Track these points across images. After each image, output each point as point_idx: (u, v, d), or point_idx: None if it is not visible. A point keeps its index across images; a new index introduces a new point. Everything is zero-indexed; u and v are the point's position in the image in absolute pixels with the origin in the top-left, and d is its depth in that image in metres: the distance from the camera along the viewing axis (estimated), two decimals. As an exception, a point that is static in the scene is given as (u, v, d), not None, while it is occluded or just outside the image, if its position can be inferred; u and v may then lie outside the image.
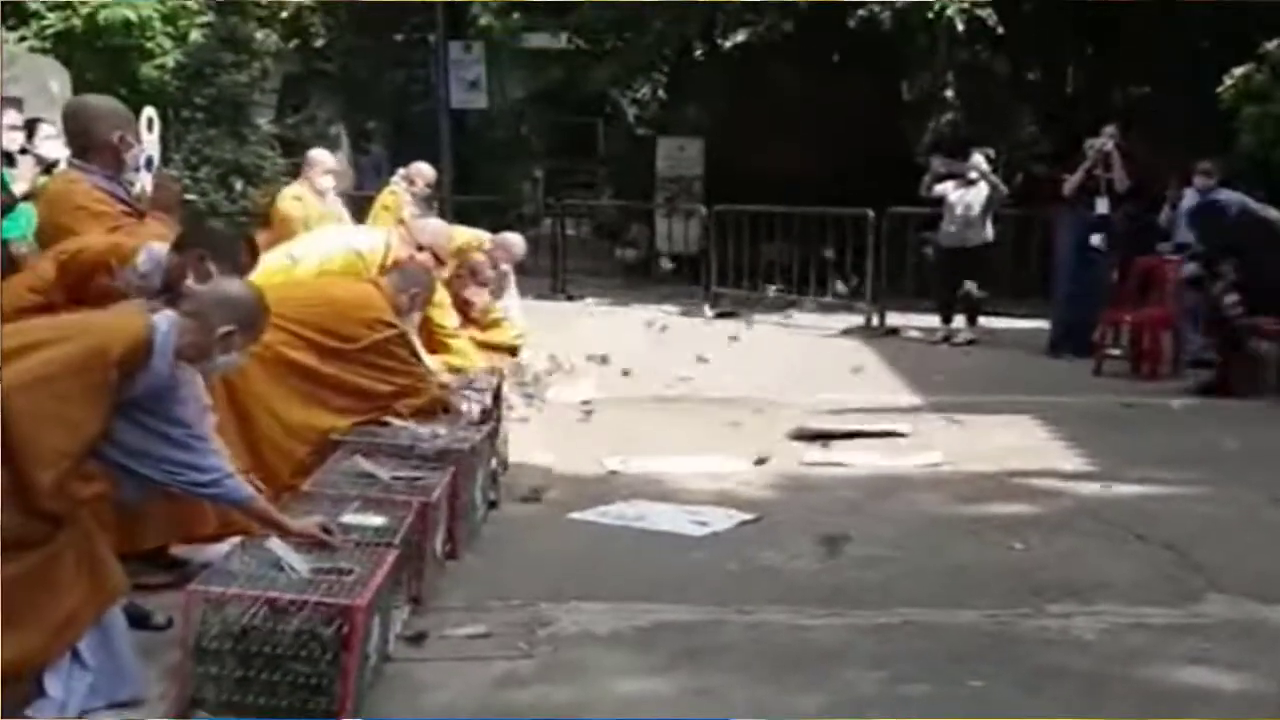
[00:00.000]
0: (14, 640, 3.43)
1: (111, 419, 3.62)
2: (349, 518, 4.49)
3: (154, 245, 4.57)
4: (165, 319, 3.78)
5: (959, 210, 12.07)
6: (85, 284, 4.48)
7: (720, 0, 15.91)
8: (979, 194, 12.03)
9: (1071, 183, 11.26)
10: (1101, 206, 11.15)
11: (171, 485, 3.92)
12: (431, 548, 4.96)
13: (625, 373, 10.06)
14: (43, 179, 8.15)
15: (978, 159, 12.13)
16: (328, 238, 7.28)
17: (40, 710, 3.62)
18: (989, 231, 12.16)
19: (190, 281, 4.38)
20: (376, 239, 6.86)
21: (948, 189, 12.19)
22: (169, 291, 4.39)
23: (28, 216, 7.98)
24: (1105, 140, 11.22)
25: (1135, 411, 9.08)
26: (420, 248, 6.68)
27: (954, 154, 12.60)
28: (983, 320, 12.30)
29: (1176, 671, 4.46)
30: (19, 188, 7.80)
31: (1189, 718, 4.06)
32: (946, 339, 12.20)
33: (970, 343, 12.01)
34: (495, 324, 8.21)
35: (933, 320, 12.62)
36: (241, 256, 4.63)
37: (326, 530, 4.23)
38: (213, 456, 3.97)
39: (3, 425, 3.39)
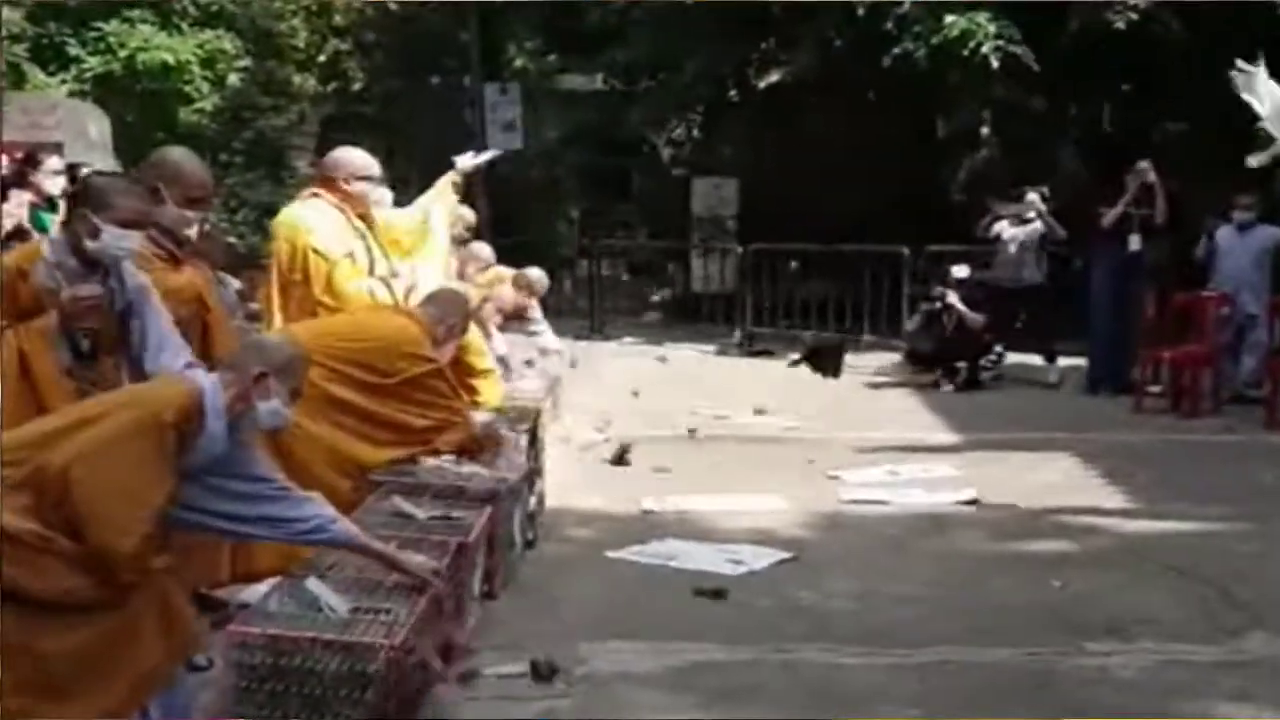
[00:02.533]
0: (96, 698, 3.46)
1: (178, 486, 3.65)
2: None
3: (53, 232, 4.49)
4: (208, 379, 3.81)
5: (1013, 249, 11.95)
6: (15, 300, 4.43)
7: (754, 40, 16.00)
8: (1033, 233, 11.90)
9: (1112, 215, 11.19)
10: (1134, 244, 11.12)
11: (280, 538, 4.06)
12: (469, 587, 4.97)
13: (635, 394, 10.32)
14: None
15: (1033, 198, 12.05)
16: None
17: None
18: (1041, 271, 12.04)
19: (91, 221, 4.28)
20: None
21: (1003, 227, 12.11)
22: (90, 266, 4.31)
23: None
24: (1148, 168, 11.16)
25: (1175, 448, 9.02)
26: (345, 181, 6.25)
27: (1014, 195, 12.53)
28: (1018, 358, 12.23)
29: (1217, 709, 4.43)
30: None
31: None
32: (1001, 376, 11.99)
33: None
34: (482, 374, 7.31)
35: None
36: (136, 200, 4.44)
37: (436, 574, 4.29)
38: (308, 505, 4.05)
39: (67, 498, 3.44)
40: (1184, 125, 15.72)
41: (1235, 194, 10.97)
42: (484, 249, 9.15)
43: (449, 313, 6.09)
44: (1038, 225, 11.90)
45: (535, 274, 9.34)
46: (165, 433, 3.61)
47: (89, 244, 4.26)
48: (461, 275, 8.29)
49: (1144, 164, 11.24)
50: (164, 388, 3.86)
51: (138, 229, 4.36)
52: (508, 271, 9.24)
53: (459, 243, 8.56)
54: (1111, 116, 16.67)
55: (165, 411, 3.63)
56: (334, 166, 6.30)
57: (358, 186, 6.22)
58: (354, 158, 6.38)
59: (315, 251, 5.99)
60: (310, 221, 6.10)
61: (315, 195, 6.23)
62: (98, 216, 4.25)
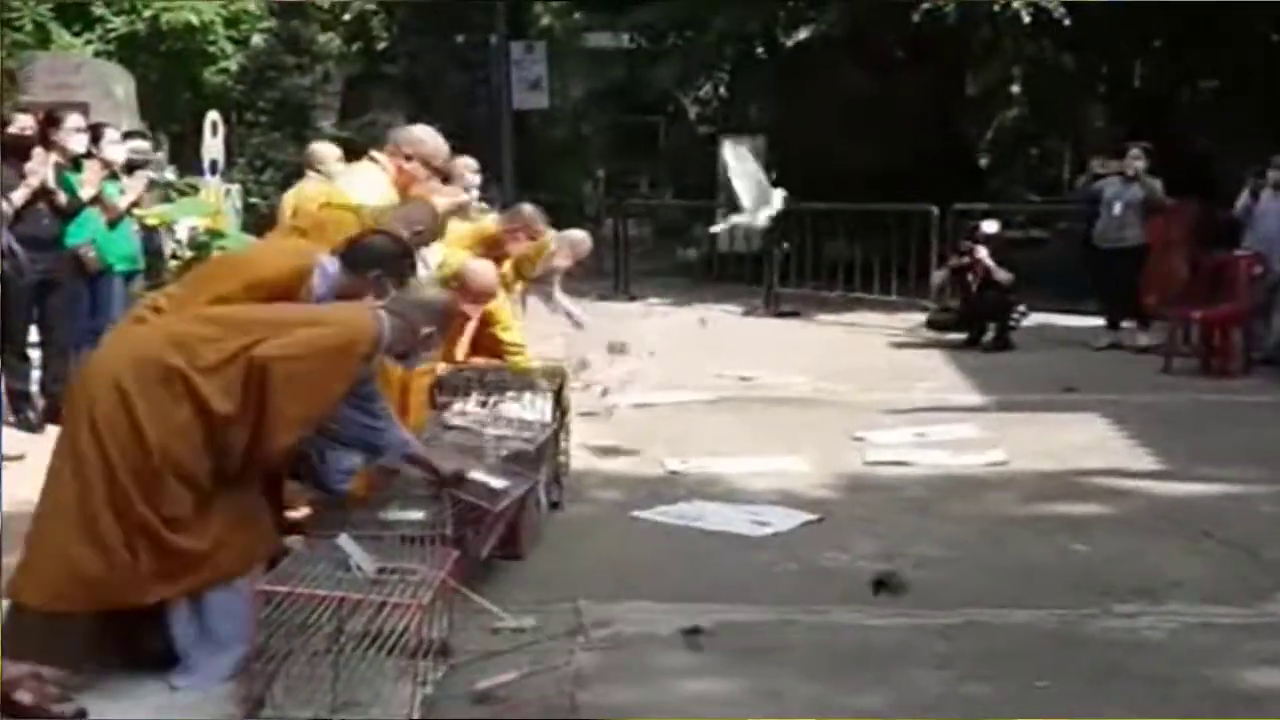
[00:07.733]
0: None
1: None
2: (389, 514, 4.56)
3: (326, 263, 4.59)
4: (387, 321, 4.28)
5: (1117, 209, 11.54)
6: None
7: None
8: (1137, 192, 11.49)
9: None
10: None
11: (356, 443, 4.52)
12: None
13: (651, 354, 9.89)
14: (109, 184, 8.28)
15: (1135, 153, 11.62)
16: None
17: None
18: (1142, 232, 11.62)
19: (370, 299, 4.54)
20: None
21: (1105, 185, 11.81)
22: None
23: (94, 221, 8.11)
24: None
25: (1205, 409, 8.96)
26: (408, 158, 6.05)
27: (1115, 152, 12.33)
28: (1041, 317, 12.14)
29: (1246, 672, 4.40)
30: (86, 192, 7.91)
31: (1259, 718, 4.01)
32: (1115, 345, 11.59)
33: (1113, 346, 11.54)
34: (512, 349, 7.07)
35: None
36: (406, 271, 4.82)
37: (459, 478, 4.71)
38: (382, 416, 4.51)
39: (259, 387, 3.90)
40: (1214, 83, 15.57)
41: (1269, 153, 10.84)
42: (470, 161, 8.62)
43: (415, 220, 5.63)
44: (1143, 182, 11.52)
45: (578, 236, 8.83)
46: (357, 360, 4.16)
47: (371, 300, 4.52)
48: None
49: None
50: (360, 318, 4.29)
51: None
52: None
53: (465, 188, 8.43)
54: (1142, 74, 16.52)
55: (362, 342, 4.18)
56: (406, 140, 6.12)
57: (413, 167, 6.01)
58: (428, 140, 6.16)
59: (338, 206, 5.63)
60: (343, 183, 6.10)
61: (370, 159, 6.08)
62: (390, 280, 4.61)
